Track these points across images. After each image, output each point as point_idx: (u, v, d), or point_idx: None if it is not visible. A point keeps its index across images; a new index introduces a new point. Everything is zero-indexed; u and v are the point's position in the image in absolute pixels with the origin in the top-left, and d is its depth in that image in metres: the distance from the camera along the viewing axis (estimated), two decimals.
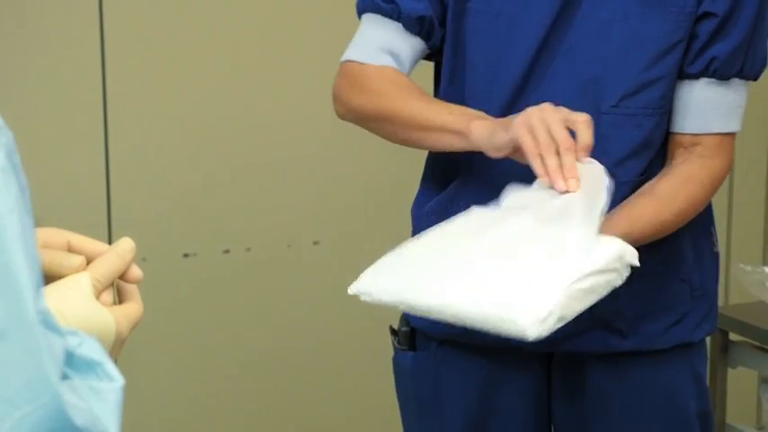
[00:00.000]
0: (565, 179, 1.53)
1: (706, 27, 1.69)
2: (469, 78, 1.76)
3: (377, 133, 1.82)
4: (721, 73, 1.71)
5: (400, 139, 1.76)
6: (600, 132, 1.69)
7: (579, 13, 1.70)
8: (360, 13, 1.81)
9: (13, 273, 0.72)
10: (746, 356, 2.52)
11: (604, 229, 1.55)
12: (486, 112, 1.71)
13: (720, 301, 3.26)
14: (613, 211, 1.66)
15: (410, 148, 1.85)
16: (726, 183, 3.41)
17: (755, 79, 1.77)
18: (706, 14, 1.69)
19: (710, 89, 1.72)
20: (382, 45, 1.76)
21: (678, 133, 1.74)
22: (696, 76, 1.72)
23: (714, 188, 1.75)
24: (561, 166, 1.53)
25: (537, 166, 1.54)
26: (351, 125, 2.94)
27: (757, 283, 2.53)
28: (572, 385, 1.83)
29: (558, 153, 1.54)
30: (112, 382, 0.79)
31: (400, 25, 1.75)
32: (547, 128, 1.54)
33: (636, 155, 1.72)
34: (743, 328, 2.50)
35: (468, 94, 1.76)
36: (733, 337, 2.55)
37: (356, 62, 1.78)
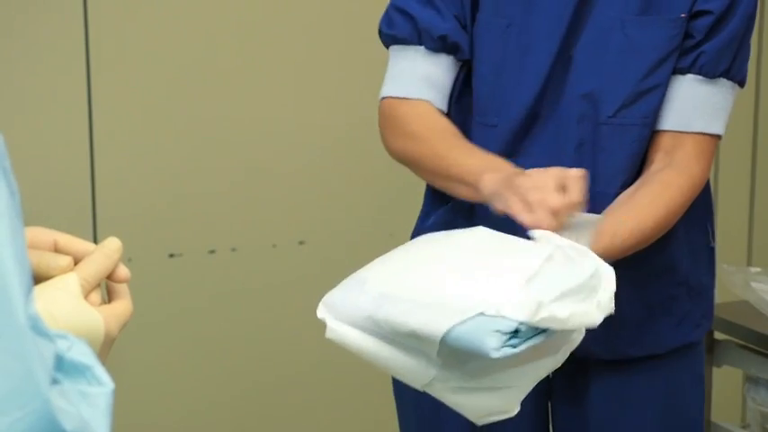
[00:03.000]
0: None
1: (701, 24, 1.67)
2: (479, 91, 1.74)
3: (420, 177, 1.79)
4: (708, 70, 1.69)
5: (435, 185, 1.74)
6: (598, 145, 1.68)
7: (588, 21, 1.69)
8: (386, 46, 1.81)
9: (3, 278, 0.72)
10: (731, 355, 2.53)
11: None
12: (496, 125, 1.70)
13: None
14: None
15: None
16: (710, 184, 3.43)
17: (742, 85, 1.75)
18: (701, 12, 1.67)
19: (697, 86, 1.70)
20: (414, 74, 1.74)
21: (659, 131, 1.71)
22: (683, 72, 1.69)
23: (693, 195, 1.71)
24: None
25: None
26: (337, 127, 2.95)
27: (742, 282, 2.54)
28: (574, 390, 1.82)
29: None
30: (102, 387, 0.79)
31: (422, 48, 1.74)
32: (541, 202, 1.49)
33: (631, 166, 1.70)
34: (728, 326, 2.50)
35: (477, 108, 1.75)
36: (718, 335, 2.56)
37: (393, 98, 1.77)
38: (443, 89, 1.76)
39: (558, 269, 1.41)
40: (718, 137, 1.73)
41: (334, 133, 2.96)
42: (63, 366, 0.77)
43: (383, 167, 2.81)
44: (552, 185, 1.50)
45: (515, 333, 1.31)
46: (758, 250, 3.48)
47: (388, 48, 1.81)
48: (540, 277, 1.38)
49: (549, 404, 1.88)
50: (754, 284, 2.52)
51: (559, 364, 1.46)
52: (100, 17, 2.73)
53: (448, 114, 1.78)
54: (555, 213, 1.48)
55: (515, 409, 1.45)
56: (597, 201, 1.69)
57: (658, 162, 1.70)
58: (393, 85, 1.77)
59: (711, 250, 1.85)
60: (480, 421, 1.47)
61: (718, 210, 3.42)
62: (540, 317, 1.32)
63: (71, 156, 2.76)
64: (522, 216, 1.50)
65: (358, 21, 2.85)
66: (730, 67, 1.70)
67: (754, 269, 2.61)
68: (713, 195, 3.36)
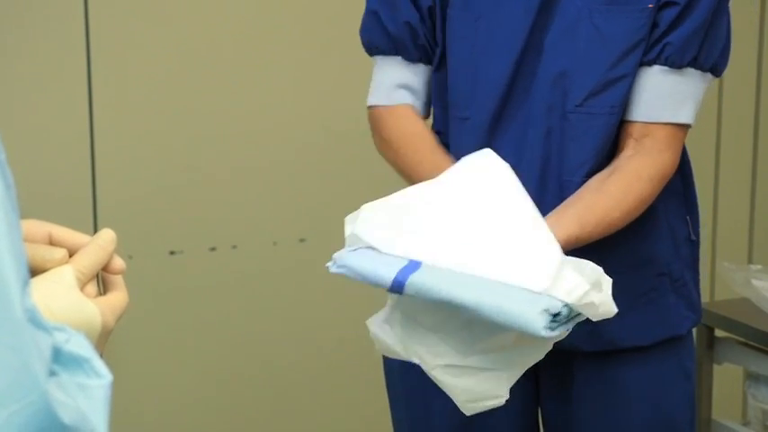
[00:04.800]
0: None
1: (667, 15, 1.68)
2: (452, 85, 1.77)
3: None
4: (674, 60, 1.69)
5: None
6: (566, 133, 1.70)
7: (555, 11, 1.71)
8: (369, 55, 1.88)
9: (0, 271, 0.72)
10: (732, 352, 2.53)
11: (554, 229, 1.55)
12: (468, 118, 1.73)
13: (706, 298, 3.28)
14: (562, 208, 1.65)
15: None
16: (711, 181, 3.44)
17: (714, 74, 1.74)
18: (667, 3, 1.68)
19: (663, 77, 1.70)
20: (393, 82, 1.83)
21: (629, 122, 1.72)
22: (650, 63, 1.70)
23: (662, 184, 1.72)
24: None
25: None
26: (338, 124, 2.95)
27: (742, 280, 2.54)
28: (559, 382, 1.84)
29: None
30: (100, 379, 0.79)
31: (400, 58, 1.81)
32: None
33: (598, 155, 1.71)
34: (728, 324, 2.51)
35: (451, 102, 1.77)
36: (718, 333, 2.56)
37: (376, 107, 1.85)
38: (422, 94, 1.84)
39: (576, 261, 1.45)
40: (687, 126, 1.74)
41: (334, 131, 2.96)
42: (61, 359, 0.77)
43: (383, 165, 2.81)
44: None
45: (557, 315, 1.35)
46: (759, 248, 3.48)
47: (371, 56, 1.88)
48: (571, 262, 1.42)
49: (539, 399, 1.89)
50: (754, 282, 2.52)
51: (545, 353, 1.48)
52: (100, 13, 2.73)
53: (430, 114, 1.86)
54: None
55: (504, 396, 1.47)
56: (563, 189, 1.71)
57: (629, 149, 1.71)
58: (376, 95, 1.86)
59: (693, 243, 1.86)
60: (470, 408, 1.47)
61: (719, 209, 3.43)
62: (584, 301, 1.35)
63: (72, 153, 2.76)
64: None
65: (357, 19, 2.85)
66: (697, 56, 1.70)
67: (754, 267, 2.61)
68: (714, 195, 3.39)
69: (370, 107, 1.87)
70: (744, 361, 2.52)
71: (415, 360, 1.48)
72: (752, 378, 2.53)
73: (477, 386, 1.45)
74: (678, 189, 1.81)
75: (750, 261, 3.42)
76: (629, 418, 1.82)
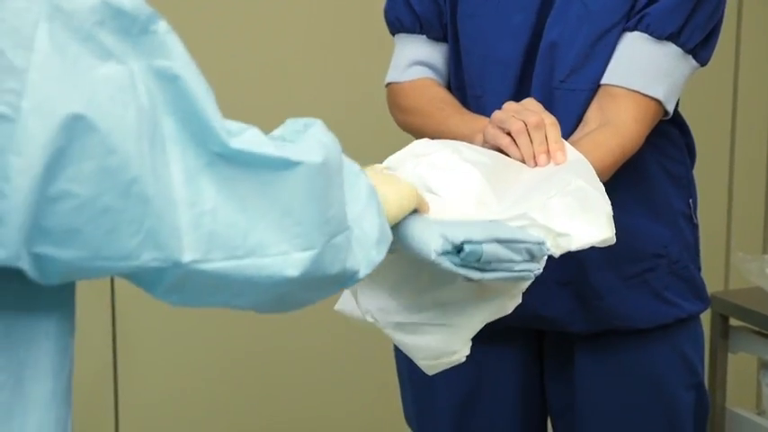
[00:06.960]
0: (543, 153, 1.47)
1: None
2: (466, 64, 1.78)
3: None
4: (654, 29, 1.66)
5: None
6: (551, 110, 1.66)
7: None
8: (392, 34, 1.88)
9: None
10: (746, 341, 2.54)
11: None
12: (481, 96, 1.74)
13: (720, 287, 3.29)
14: None
15: (403, 139, 1.87)
16: (726, 172, 3.44)
17: (697, 59, 1.71)
18: None
19: (641, 44, 1.67)
20: (414, 59, 1.83)
21: (599, 86, 1.68)
22: (630, 29, 1.67)
23: (623, 158, 1.64)
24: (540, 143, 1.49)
25: (513, 153, 1.50)
26: (345, 118, 2.95)
27: (757, 270, 2.55)
28: (562, 365, 1.85)
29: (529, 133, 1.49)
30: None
31: (424, 36, 1.82)
32: (514, 116, 1.52)
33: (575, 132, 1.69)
34: (743, 313, 2.51)
35: (467, 80, 1.79)
36: (733, 322, 2.57)
37: (394, 83, 1.85)
38: (443, 72, 1.84)
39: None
40: (659, 104, 1.68)
41: (342, 126, 2.97)
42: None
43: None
44: (528, 111, 1.52)
45: (459, 251, 1.23)
46: None
47: (393, 34, 1.87)
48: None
49: (543, 381, 1.90)
50: None
51: (508, 311, 1.37)
52: None
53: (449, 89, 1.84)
54: (536, 129, 1.49)
55: (463, 352, 1.37)
56: None
57: (593, 122, 1.66)
58: (395, 71, 1.86)
59: (695, 227, 1.85)
60: (429, 367, 1.39)
61: (735, 197, 3.43)
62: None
63: None
64: (510, 149, 1.50)
65: (360, 11, 2.86)
66: (680, 32, 1.66)
67: None
68: (729, 185, 3.39)
69: (388, 84, 1.87)
70: (758, 350, 2.53)
71: (370, 319, 1.38)
72: (766, 367, 2.54)
73: (432, 343, 1.36)
74: (681, 173, 1.81)
75: (765, 251, 3.42)
76: (630, 401, 1.81)
